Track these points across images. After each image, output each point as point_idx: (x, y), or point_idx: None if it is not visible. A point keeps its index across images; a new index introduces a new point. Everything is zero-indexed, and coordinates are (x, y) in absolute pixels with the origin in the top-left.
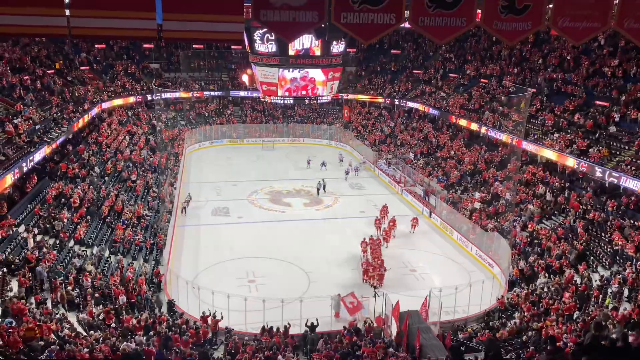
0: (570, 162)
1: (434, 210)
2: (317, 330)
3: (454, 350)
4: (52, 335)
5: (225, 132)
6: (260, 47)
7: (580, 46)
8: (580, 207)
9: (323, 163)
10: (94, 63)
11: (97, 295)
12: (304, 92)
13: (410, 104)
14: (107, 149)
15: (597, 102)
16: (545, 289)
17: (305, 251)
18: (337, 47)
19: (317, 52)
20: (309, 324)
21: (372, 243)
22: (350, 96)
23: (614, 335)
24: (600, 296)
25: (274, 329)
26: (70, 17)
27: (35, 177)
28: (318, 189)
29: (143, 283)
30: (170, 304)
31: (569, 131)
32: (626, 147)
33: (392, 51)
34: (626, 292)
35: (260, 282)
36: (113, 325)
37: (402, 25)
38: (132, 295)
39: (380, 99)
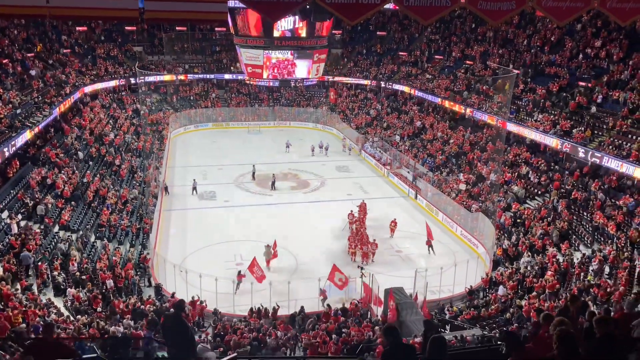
0: (550, 142)
1: (419, 192)
2: (306, 311)
3: (428, 324)
4: (39, 320)
5: (210, 116)
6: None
7: (565, 27)
8: (562, 186)
9: (287, 145)
10: (76, 46)
11: (83, 277)
12: (287, 74)
13: (396, 87)
14: (92, 134)
15: (581, 83)
16: (529, 268)
17: (293, 234)
18: (323, 28)
19: (303, 34)
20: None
21: (360, 210)
22: (336, 78)
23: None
24: (582, 274)
25: (262, 311)
26: None
27: (18, 162)
28: (253, 173)
29: (130, 267)
30: (158, 288)
31: (553, 112)
32: (608, 128)
33: (377, 33)
34: (607, 269)
35: (248, 265)
36: (99, 310)
37: (388, 6)
38: (119, 280)
39: (365, 82)
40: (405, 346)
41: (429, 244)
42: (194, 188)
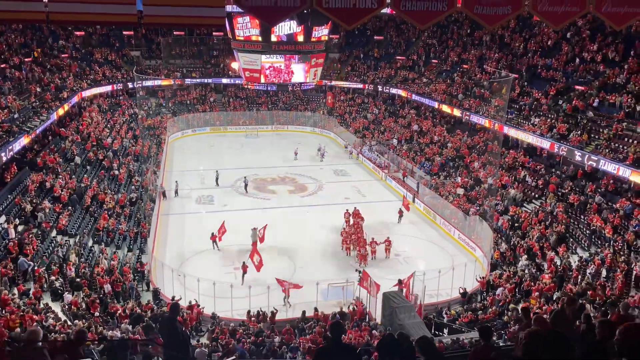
0: (547, 145)
1: (417, 195)
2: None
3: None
4: (36, 325)
5: (208, 120)
6: (243, 33)
7: (561, 31)
8: (559, 189)
9: (296, 152)
10: (73, 51)
11: (77, 280)
12: (286, 77)
13: (394, 91)
14: (89, 139)
15: (577, 87)
16: (526, 271)
17: (291, 238)
18: (320, 33)
19: (300, 38)
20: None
21: (355, 215)
22: (334, 82)
23: (591, 313)
24: (580, 277)
25: (261, 315)
26: (48, 2)
27: (15, 167)
28: (217, 179)
29: (128, 272)
30: (156, 292)
31: (549, 116)
32: (604, 131)
33: (375, 37)
34: (604, 272)
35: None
36: (97, 314)
37: (384, 10)
38: (116, 285)
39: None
40: (344, 346)
41: (401, 213)
42: (176, 191)
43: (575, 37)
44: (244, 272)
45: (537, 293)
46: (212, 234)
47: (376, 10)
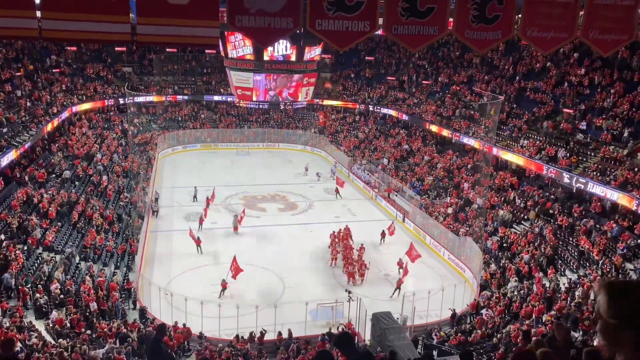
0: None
1: (407, 215)
2: (293, 335)
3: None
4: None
5: (199, 137)
6: (235, 52)
7: (549, 55)
8: (550, 209)
9: (308, 169)
10: (65, 65)
11: (61, 296)
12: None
13: (384, 110)
14: (78, 154)
15: (565, 110)
16: (516, 293)
17: (280, 256)
18: (313, 53)
19: (293, 58)
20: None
21: (340, 234)
22: (325, 102)
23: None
24: (568, 299)
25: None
26: (41, 19)
27: (2, 182)
28: (156, 199)
29: (114, 290)
30: (142, 311)
31: (538, 138)
32: (592, 154)
33: (366, 58)
34: (592, 295)
35: (234, 287)
36: (88, 332)
37: (377, 32)
38: (102, 303)
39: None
40: None
41: (383, 235)
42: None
43: (564, 60)
44: (200, 223)
45: (547, 315)
46: (198, 237)
47: (368, 33)
